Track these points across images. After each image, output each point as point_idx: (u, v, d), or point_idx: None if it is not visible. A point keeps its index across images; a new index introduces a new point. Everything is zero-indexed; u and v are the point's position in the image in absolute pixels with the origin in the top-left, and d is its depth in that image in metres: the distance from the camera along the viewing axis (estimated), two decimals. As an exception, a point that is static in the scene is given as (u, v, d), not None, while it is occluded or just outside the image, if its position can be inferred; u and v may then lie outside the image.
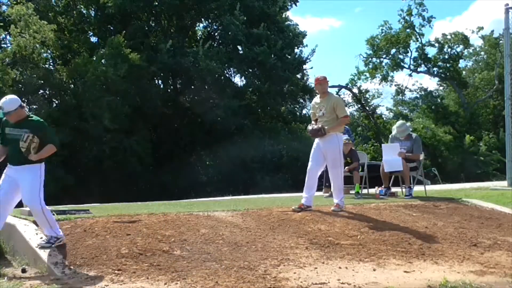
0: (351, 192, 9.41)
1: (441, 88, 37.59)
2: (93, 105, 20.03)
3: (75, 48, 23.97)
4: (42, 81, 21.04)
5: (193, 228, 5.82)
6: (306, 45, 27.71)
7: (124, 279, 4.34)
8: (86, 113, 20.24)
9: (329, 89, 7.76)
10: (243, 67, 25.35)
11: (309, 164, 7.08)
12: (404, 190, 9.14)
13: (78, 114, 20.88)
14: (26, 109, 5.43)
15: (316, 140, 7.11)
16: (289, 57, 25.48)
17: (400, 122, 9.50)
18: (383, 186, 9.11)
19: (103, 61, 21.10)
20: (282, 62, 24.59)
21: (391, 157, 8.80)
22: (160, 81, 25.79)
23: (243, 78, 26.75)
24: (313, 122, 7.25)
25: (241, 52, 25.20)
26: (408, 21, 33.01)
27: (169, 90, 25.77)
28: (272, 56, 24.01)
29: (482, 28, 33.37)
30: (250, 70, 25.82)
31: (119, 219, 6.01)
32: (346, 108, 9.38)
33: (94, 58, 21.44)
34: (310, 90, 27.88)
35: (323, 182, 10.15)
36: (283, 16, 27.35)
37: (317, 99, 7.32)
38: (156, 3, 24.85)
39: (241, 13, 24.47)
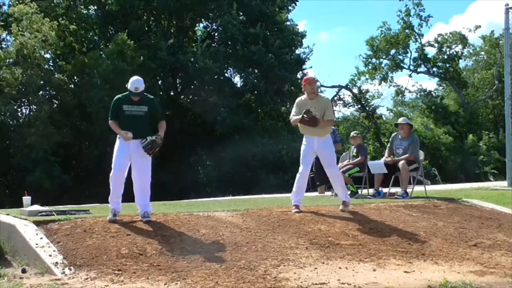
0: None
1: (441, 88, 37.59)
2: (93, 104, 20.04)
3: (77, 48, 23.97)
4: (42, 82, 21.03)
5: (193, 228, 5.82)
6: (308, 46, 27.68)
7: (124, 279, 4.34)
8: (86, 112, 20.23)
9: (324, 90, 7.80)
10: (240, 66, 25.36)
11: (302, 167, 6.95)
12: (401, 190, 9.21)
13: (78, 113, 20.88)
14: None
15: (307, 140, 6.89)
16: (287, 56, 25.47)
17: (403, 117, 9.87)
18: (374, 188, 9.24)
19: (103, 59, 21.10)
20: (279, 61, 24.57)
21: (375, 160, 9.03)
22: (160, 82, 25.82)
23: (241, 77, 26.83)
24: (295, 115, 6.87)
25: (239, 51, 25.22)
26: (407, 22, 33.00)
27: (169, 90, 25.76)
28: (269, 55, 23.99)
29: (480, 26, 33.46)
30: (249, 70, 25.83)
31: (119, 219, 6.01)
32: (346, 108, 9.61)
33: (95, 57, 21.45)
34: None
35: (315, 183, 10.15)
36: (283, 16, 27.33)
37: (305, 99, 6.91)
38: (156, 3, 24.85)
39: (240, 13, 24.47)
